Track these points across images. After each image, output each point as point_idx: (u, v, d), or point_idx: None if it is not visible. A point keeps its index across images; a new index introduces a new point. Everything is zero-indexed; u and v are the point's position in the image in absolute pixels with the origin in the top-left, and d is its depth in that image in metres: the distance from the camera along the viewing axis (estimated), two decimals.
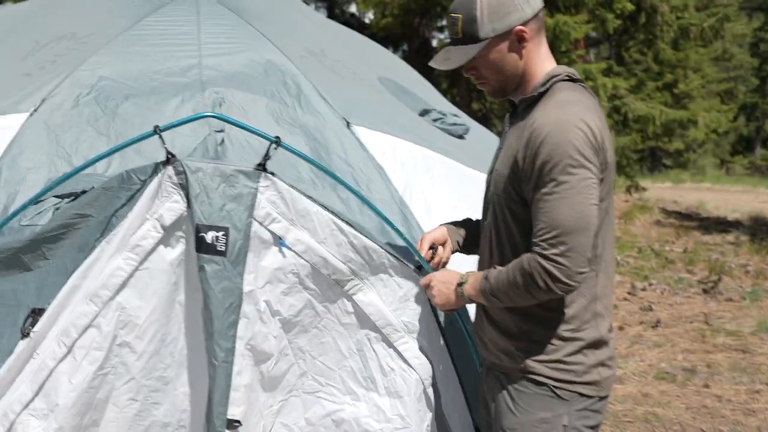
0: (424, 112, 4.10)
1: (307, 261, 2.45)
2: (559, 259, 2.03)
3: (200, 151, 2.57)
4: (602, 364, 2.20)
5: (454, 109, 4.76)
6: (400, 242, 2.59)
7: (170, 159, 2.31)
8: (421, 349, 2.55)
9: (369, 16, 15.49)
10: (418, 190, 3.09)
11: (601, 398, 2.22)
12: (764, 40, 34.69)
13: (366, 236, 2.49)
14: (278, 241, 2.42)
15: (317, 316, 2.53)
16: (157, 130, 2.31)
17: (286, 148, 2.44)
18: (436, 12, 10.89)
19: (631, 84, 15.41)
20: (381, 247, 2.51)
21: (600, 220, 2.10)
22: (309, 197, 2.46)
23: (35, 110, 2.81)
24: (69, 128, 2.71)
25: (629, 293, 8.21)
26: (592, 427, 2.22)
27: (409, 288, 2.54)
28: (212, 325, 2.32)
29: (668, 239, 11.32)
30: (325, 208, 2.47)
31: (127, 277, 2.33)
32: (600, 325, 2.20)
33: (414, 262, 2.54)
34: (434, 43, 15.64)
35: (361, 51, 4.58)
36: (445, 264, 2.50)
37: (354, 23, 17.61)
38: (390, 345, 2.53)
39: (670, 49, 24.17)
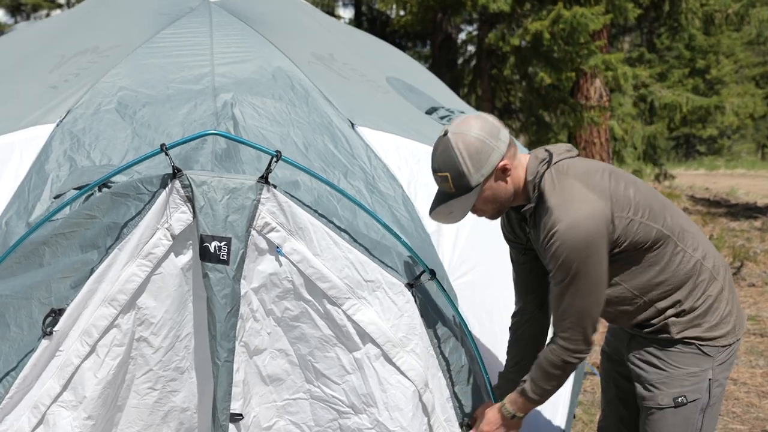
0: (431, 110, 4.25)
1: (302, 271, 2.59)
2: (569, 344, 2.44)
3: (209, 150, 2.72)
4: (730, 313, 2.55)
5: (464, 106, 4.91)
6: (400, 247, 2.74)
7: (177, 173, 2.49)
8: (415, 360, 2.67)
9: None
10: (421, 185, 3.24)
11: (738, 341, 2.58)
12: None
13: (360, 251, 2.64)
14: (276, 249, 2.57)
15: (317, 329, 2.66)
16: (163, 148, 2.48)
17: (287, 161, 2.60)
18: (456, 7, 10.99)
19: (656, 72, 15.36)
20: (375, 262, 2.65)
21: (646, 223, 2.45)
22: (308, 207, 2.61)
23: (61, 121, 3.04)
24: (90, 131, 2.92)
25: None
26: (726, 378, 2.58)
27: (403, 303, 2.67)
28: (215, 329, 2.49)
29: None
30: (324, 217, 2.62)
31: (142, 283, 2.52)
32: (712, 286, 2.52)
33: (407, 277, 2.70)
34: (462, 36, 15.70)
35: (371, 52, 4.74)
36: None
37: (381, 19, 17.74)
38: (389, 361, 2.65)
39: (701, 35, 23.90)
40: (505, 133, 2.45)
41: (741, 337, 2.61)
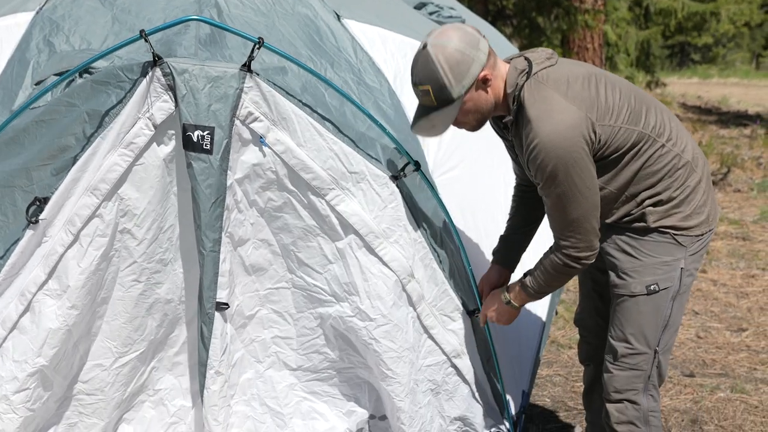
0: (420, 6, 4.20)
1: (286, 162, 2.58)
2: (572, 252, 2.47)
3: (193, 35, 2.65)
4: (704, 204, 2.58)
5: (452, 2, 4.83)
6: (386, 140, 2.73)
7: (157, 61, 2.43)
8: (398, 251, 2.70)
9: None
10: (408, 79, 3.20)
11: (710, 231, 2.62)
12: None
13: (346, 142, 2.63)
14: (259, 139, 2.55)
15: (300, 219, 2.67)
16: (143, 35, 2.41)
17: (270, 49, 2.55)
18: None
19: None
20: (360, 153, 2.64)
21: (634, 132, 2.47)
22: (292, 97, 2.58)
23: (41, 8, 2.98)
24: (69, 17, 2.86)
25: None
26: (697, 269, 2.65)
27: (387, 195, 2.68)
28: (200, 218, 2.50)
29: None
30: (310, 107, 2.59)
31: (124, 172, 2.50)
32: (690, 178, 2.55)
33: (392, 169, 2.70)
34: None
35: None
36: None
37: None
38: (371, 251, 2.67)
39: None
40: (484, 42, 2.44)
41: (714, 229, 2.64)
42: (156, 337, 2.75)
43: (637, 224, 2.57)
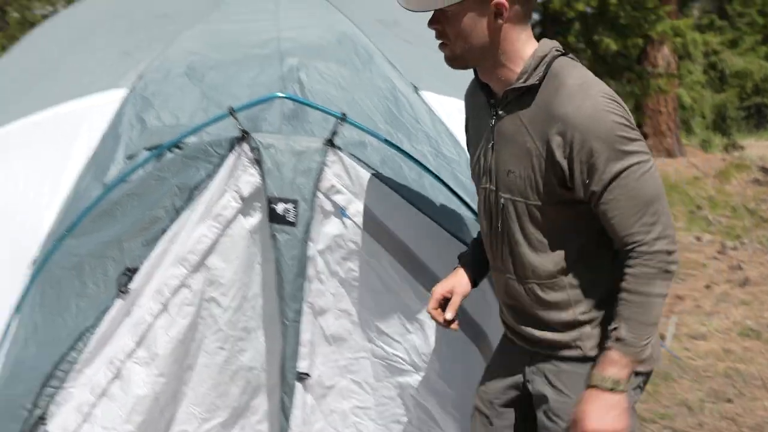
0: None
1: (367, 233, 2.63)
2: (665, 245, 1.93)
3: (278, 110, 2.74)
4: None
5: None
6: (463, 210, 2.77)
7: (245, 136, 2.55)
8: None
9: None
10: None
11: (650, 373, 2.14)
12: None
13: (426, 214, 2.66)
14: (340, 211, 2.62)
15: (384, 291, 2.71)
16: (231, 111, 2.54)
17: (352, 124, 2.64)
18: None
19: (728, 38, 14.95)
20: (440, 225, 2.68)
21: None
22: (373, 171, 2.64)
23: (134, 86, 3.12)
24: (159, 94, 2.97)
25: (719, 252, 8.10)
26: (636, 401, 2.12)
27: None
28: (283, 289, 2.57)
29: (765, 198, 11.04)
30: (387, 184, 2.65)
31: (212, 243, 2.59)
32: None
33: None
34: None
35: None
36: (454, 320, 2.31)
37: None
38: None
39: None
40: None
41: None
42: (239, 404, 2.80)
43: (568, 352, 2.08)
